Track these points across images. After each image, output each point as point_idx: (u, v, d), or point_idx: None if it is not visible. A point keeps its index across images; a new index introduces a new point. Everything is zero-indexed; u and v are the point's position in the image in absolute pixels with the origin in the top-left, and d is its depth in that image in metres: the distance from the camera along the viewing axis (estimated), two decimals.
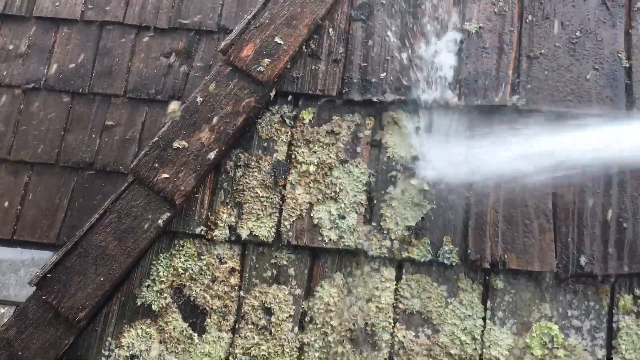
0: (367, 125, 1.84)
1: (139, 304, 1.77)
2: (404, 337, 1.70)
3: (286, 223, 1.79)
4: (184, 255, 1.80)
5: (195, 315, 1.76)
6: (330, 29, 1.91)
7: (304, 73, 1.89)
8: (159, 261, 1.79)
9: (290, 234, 1.78)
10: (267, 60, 1.84)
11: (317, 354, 1.71)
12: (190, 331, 1.75)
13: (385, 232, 1.75)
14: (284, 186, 1.82)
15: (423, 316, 1.71)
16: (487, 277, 1.71)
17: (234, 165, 1.85)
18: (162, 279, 1.78)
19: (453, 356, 1.67)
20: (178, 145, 1.81)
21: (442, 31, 1.86)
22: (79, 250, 1.74)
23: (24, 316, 1.70)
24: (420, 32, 1.87)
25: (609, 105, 1.75)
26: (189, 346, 1.74)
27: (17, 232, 2.90)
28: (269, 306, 1.75)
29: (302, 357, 1.71)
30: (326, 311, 1.73)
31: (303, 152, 1.84)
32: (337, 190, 1.80)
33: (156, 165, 1.80)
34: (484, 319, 1.69)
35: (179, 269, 1.78)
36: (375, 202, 1.78)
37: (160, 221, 1.76)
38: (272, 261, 1.78)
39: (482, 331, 1.68)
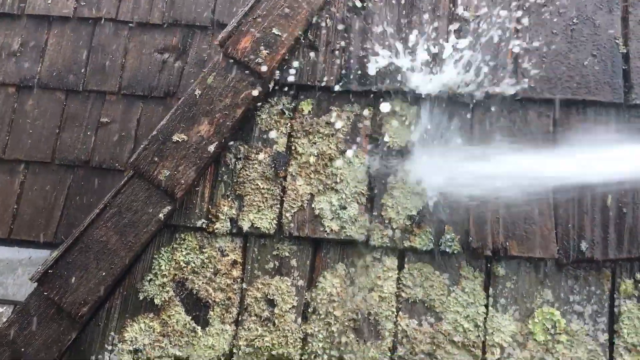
0: (366, 115, 1.84)
1: (141, 298, 1.76)
2: (407, 325, 1.70)
3: (287, 214, 1.79)
4: (185, 248, 1.79)
5: (198, 309, 1.76)
6: (328, 20, 1.91)
7: (302, 64, 1.88)
8: (161, 255, 1.79)
9: (292, 225, 1.78)
10: (265, 52, 1.84)
11: (320, 344, 1.71)
12: (194, 324, 1.74)
13: (386, 221, 1.76)
14: (285, 178, 1.82)
15: (426, 305, 1.71)
16: (489, 265, 1.72)
17: (234, 157, 1.84)
18: (164, 273, 1.77)
19: (456, 344, 1.67)
20: (177, 139, 1.81)
21: (439, 20, 1.86)
22: (80, 245, 1.73)
23: (26, 313, 1.69)
24: (417, 22, 1.87)
25: (607, 92, 1.76)
26: (193, 339, 1.73)
27: (14, 231, 2.88)
28: (271, 298, 1.75)
29: (306, 348, 1.71)
30: (329, 302, 1.73)
31: (303, 143, 1.84)
32: (338, 180, 1.80)
33: (156, 159, 1.79)
34: (486, 306, 1.69)
35: (181, 263, 1.78)
36: (376, 192, 1.79)
37: (161, 215, 1.76)
38: (274, 253, 1.78)
39: (485, 318, 1.68)
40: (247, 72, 1.85)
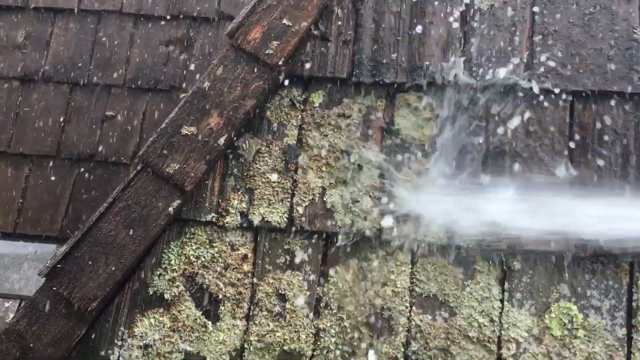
0: (378, 107, 1.81)
1: (151, 293, 1.74)
2: (421, 320, 1.68)
3: (299, 208, 1.76)
4: (195, 242, 1.77)
5: (208, 303, 1.73)
6: (339, 10, 1.87)
7: (313, 55, 1.85)
8: (170, 249, 1.76)
9: (303, 219, 1.75)
10: (275, 43, 1.81)
11: (333, 340, 1.69)
12: (204, 319, 1.72)
13: (399, 215, 1.73)
14: (296, 171, 1.79)
15: (440, 299, 1.69)
16: (504, 259, 1.69)
17: (244, 150, 1.81)
18: (173, 268, 1.75)
19: (471, 339, 1.65)
20: (187, 132, 1.78)
21: (454, 9, 1.82)
22: (89, 239, 1.71)
23: (35, 308, 1.67)
24: (431, 12, 1.84)
25: (626, 82, 1.72)
26: (203, 334, 1.71)
27: (19, 225, 2.86)
28: (283, 292, 1.72)
29: (318, 343, 1.69)
30: (341, 296, 1.71)
31: (314, 136, 1.81)
32: (350, 173, 1.77)
33: (165, 152, 1.76)
34: (501, 300, 1.67)
35: (191, 257, 1.76)
36: (388, 185, 1.76)
37: (170, 209, 1.73)
38: (285, 247, 1.75)
39: (500, 313, 1.66)
40: (257, 63, 1.82)
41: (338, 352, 1.68)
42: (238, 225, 1.77)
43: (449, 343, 1.65)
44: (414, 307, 1.69)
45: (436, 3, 1.85)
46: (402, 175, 1.75)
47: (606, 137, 1.71)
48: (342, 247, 1.74)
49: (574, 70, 1.75)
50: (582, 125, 1.73)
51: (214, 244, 1.77)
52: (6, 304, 2.69)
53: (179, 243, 1.77)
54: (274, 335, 1.70)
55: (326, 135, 1.80)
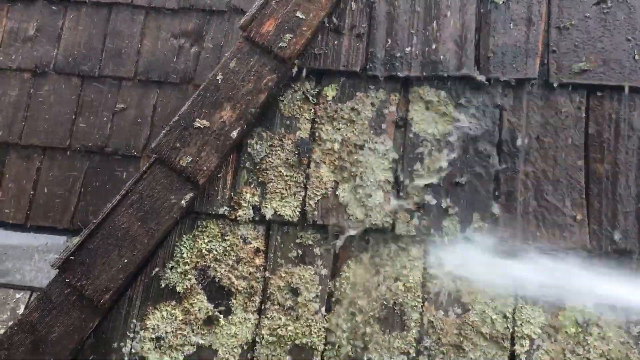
0: (392, 101, 1.80)
1: (163, 285, 1.74)
2: (434, 316, 1.67)
3: (311, 202, 1.76)
4: (207, 236, 1.76)
5: (220, 297, 1.73)
6: (353, 2, 1.86)
7: (326, 48, 1.84)
8: (183, 242, 1.76)
9: (316, 213, 1.75)
10: (288, 36, 1.80)
11: (345, 335, 1.68)
12: (216, 313, 1.72)
13: (412, 210, 1.72)
14: (308, 164, 1.78)
15: (452, 295, 1.68)
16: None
17: (257, 144, 1.81)
18: (186, 260, 1.75)
19: (484, 335, 1.64)
20: (199, 125, 1.77)
21: (469, 2, 1.80)
22: (102, 232, 1.71)
23: (48, 299, 1.67)
24: (446, 5, 1.82)
25: None
26: (215, 328, 1.71)
27: (31, 217, 2.88)
28: (295, 287, 1.72)
29: (330, 338, 1.69)
30: (353, 291, 1.70)
31: (327, 130, 1.80)
32: (363, 168, 1.76)
33: (178, 145, 1.76)
34: (515, 297, 1.65)
35: (203, 250, 1.75)
36: (401, 179, 1.75)
37: (183, 202, 1.73)
38: (298, 241, 1.75)
39: (514, 309, 1.64)
40: (270, 56, 1.81)
41: (350, 347, 1.67)
42: (250, 219, 1.77)
43: (461, 339, 1.64)
44: (426, 303, 1.68)
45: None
46: (416, 169, 1.74)
47: (623, 133, 1.69)
48: (355, 242, 1.74)
49: (590, 65, 1.72)
50: (597, 121, 1.71)
51: (226, 238, 1.76)
52: (17, 295, 2.70)
53: (191, 236, 1.77)
54: (286, 329, 1.69)
55: (339, 129, 1.79)
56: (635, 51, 1.72)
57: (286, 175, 1.78)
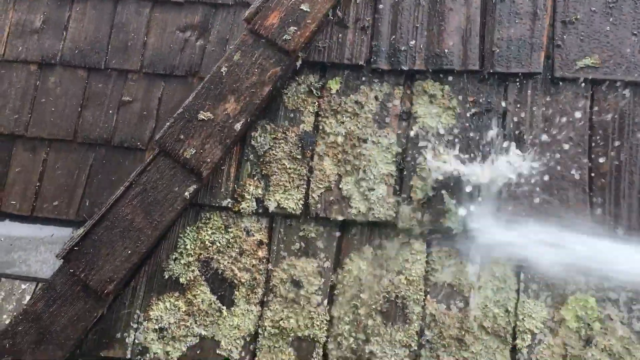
0: (396, 95, 1.80)
1: (166, 277, 1.75)
2: (436, 309, 1.67)
3: (314, 195, 1.76)
4: (211, 228, 1.77)
5: (223, 288, 1.74)
6: None
7: (330, 41, 1.84)
8: (186, 234, 1.77)
9: (319, 205, 1.75)
10: (293, 29, 1.80)
11: (347, 327, 1.69)
12: (219, 304, 1.73)
13: (415, 203, 1.72)
14: (312, 157, 1.79)
15: (455, 289, 1.68)
16: None
17: (261, 136, 1.81)
18: (189, 252, 1.76)
19: (486, 329, 1.64)
20: (203, 117, 1.78)
21: None
22: (106, 223, 1.72)
23: (52, 289, 1.69)
24: None
25: None
26: (218, 319, 1.72)
27: (36, 209, 2.89)
28: (297, 279, 1.73)
29: (332, 330, 1.69)
30: (356, 284, 1.71)
31: (330, 123, 1.80)
32: (366, 161, 1.76)
33: (182, 137, 1.77)
34: (517, 291, 1.65)
35: (206, 242, 1.76)
36: (405, 173, 1.75)
37: (186, 193, 1.74)
38: (301, 234, 1.75)
39: (516, 304, 1.64)
40: (274, 49, 1.81)
41: (352, 339, 1.68)
42: (253, 211, 1.77)
43: (463, 333, 1.64)
44: (428, 296, 1.68)
45: None
46: (419, 163, 1.74)
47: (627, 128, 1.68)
48: (357, 235, 1.74)
49: (595, 59, 1.72)
50: (601, 115, 1.70)
51: (230, 230, 1.77)
52: (23, 286, 2.73)
53: (194, 228, 1.78)
54: (288, 321, 1.70)
55: (343, 122, 1.79)
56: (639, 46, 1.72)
57: (289, 168, 1.78)
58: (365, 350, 1.67)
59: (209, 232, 1.77)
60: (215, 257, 1.75)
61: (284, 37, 1.80)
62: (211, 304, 1.73)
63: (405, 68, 1.80)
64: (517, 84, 1.75)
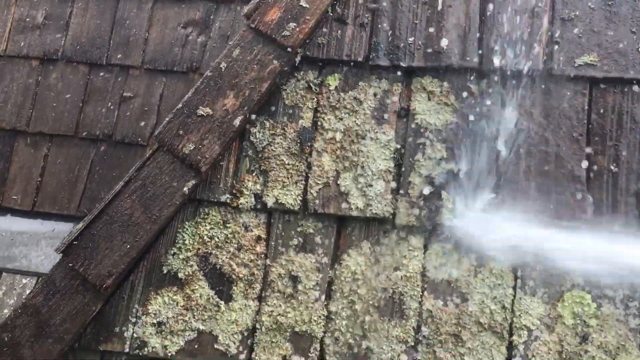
0: (394, 91, 1.80)
1: (165, 271, 1.76)
2: (432, 305, 1.68)
3: (312, 191, 1.77)
4: (209, 223, 1.78)
5: (221, 283, 1.75)
6: None
7: (329, 38, 1.84)
8: (185, 229, 1.78)
9: (317, 201, 1.76)
10: (292, 25, 1.80)
11: (344, 323, 1.69)
12: (217, 299, 1.74)
13: (413, 200, 1.72)
14: (310, 153, 1.79)
15: (452, 285, 1.68)
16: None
17: (259, 132, 1.82)
18: (187, 247, 1.77)
19: (482, 325, 1.65)
20: (202, 112, 1.78)
21: None
22: (105, 217, 1.73)
23: (51, 283, 1.70)
24: None
25: None
26: (216, 314, 1.73)
27: (38, 203, 2.90)
28: (295, 274, 1.73)
29: (329, 326, 1.70)
30: (353, 280, 1.72)
31: (329, 119, 1.80)
32: (365, 157, 1.76)
33: (181, 132, 1.77)
34: (514, 288, 1.66)
35: (205, 237, 1.77)
36: (403, 169, 1.75)
37: (185, 189, 1.74)
38: (299, 229, 1.76)
39: (513, 300, 1.65)
40: (273, 45, 1.81)
41: (349, 335, 1.69)
42: (252, 207, 1.78)
43: (460, 329, 1.65)
44: (425, 292, 1.69)
45: None
46: (417, 159, 1.74)
47: (625, 125, 1.68)
48: (355, 231, 1.75)
49: (594, 57, 1.72)
50: (599, 113, 1.70)
51: (228, 225, 1.78)
52: (24, 281, 2.74)
53: (193, 223, 1.79)
54: (286, 316, 1.71)
55: (341, 119, 1.80)
56: (638, 44, 1.71)
57: (288, 164, 1.79)
58: (362, 345, 1.68)
59: (208, 228, 1.78)
60: (213, 252, 1.76)
61: (283, 33, 1.80)
62: (209, 298, 1.74)
63: (404, 65, 1.80)
64: (516, 81, 1.75)
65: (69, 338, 1.68)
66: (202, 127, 1.77)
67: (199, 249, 1.77)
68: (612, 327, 1.60)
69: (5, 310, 2.64)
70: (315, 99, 1.83)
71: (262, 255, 1.76)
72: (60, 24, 3.09)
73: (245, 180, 1.79)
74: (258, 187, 1.79)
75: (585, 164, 1.68)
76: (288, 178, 1.78)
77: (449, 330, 1.65)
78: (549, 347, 1.61)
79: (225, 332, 1.72)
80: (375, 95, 1.81)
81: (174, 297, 1.74)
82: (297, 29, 1.80)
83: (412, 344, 1.66)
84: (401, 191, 1.74)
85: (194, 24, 3.04)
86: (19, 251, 2.83)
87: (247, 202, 1.78)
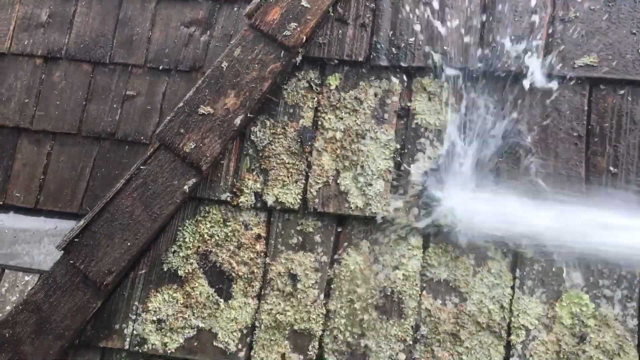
0: (394, 91, 1.81)
1: (165, 269, 1.77)
2: (431, 305, 1.68)
3: (312, 190, 1.77)
4: (209, 221, 1.79)
5: (221, 281, 1.76)
6: None
7: (330, 38, 1.85)
8: (185, 227, 1.79)
9: (317, 200, 1.77)
10: (293, 25, 1.81)
11: (343, 321, 1.70)
12: (217, 297, 1.75)
13: (413, 199, 1.73)
14: (310, 153, 1.80)
15: (450, 284, 1.69)
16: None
17: (260, 131, 1.82)
18: (188, 245, 1.78)
19: (481, 324, 1.65)
20: (203, 111, 1.79)
21: None
22: (106, 215, 1.74)
23: (52, 280, 1.71)
24: None
25: None
26: (215, 311, 1.74)
27: (40, 201, 2.92)
28: (294, 273, 1.74)
29: (328, 324, 1.71)
30: (352, 278, 1.72)
31: (329, 119, 1.81)
32: (364, 157, 1.77)
33: (182, 130, 1.78)
34: (512, 287, 1.66)
35: (205, 235, 1.78)
36: (402, 169, 1.76)
37: (186, 187, 1.75)
38: (298, 228, 1.77)
39: (511, 300, 1.65)
40: (274, 44, 1.82)
41: (347, 333, 1.69)
42: (252, 205, 1.79)
43: (458, 328, 1.65)
44: (424, 292, 1.70)
45: None
46: (417, 159, 1.75)
47: (625, 127, 1.69)
48: (355, 230, 1.75)
49: (594, 58, 1.72)
50: (599, 114, 1.70)
51: (228, 223, 1.79)
52: (26, 278, 2.76)
53: (193, 221, 1.79)
54: (285, 314, 1.72)
55: (342, 118, 1.81)
56: (638, 45, 1.71)
57: (288, 163, 1.80)
58: (361, 344, 1.68)
59: (208, 226, 1.79)
60: (213, 250, 1.77)
61: (284, 33, 1.81)
62: (209, 296, 1.75)
63: (404, 65, 1.80)
64: (516, 81, 1.75)
65: (70, 334, 1.70)
66: (203, 126, 1.78)
67: (199, 247, 1.78)
68: (610, 327, 1.60)
69: (8, 307, 2.65)
70: (316, 99, 1.83)
71: (262, 254, 1.77)
72: (64, 22, 3.11)
73: (246, 179, 1.80)
74: (258, 185, 1.80)
75: (584, 165, 1.68)
76: (288, 177, 1.79)
77: (447, 329, 1.66)
78: (546, 347, 1.61)
79: (225, 330, 1.73)
80: (375, 95, 1.81)
81: (174, 295, 1.75)
82: (298, 29, 1.81)
83: (411, 342, 1.67)
84: (401, 191, 1.74)
85: (197, 23, 3.05)
86: (22, 248, 2.85)
87: (247, 201, 1.79)
